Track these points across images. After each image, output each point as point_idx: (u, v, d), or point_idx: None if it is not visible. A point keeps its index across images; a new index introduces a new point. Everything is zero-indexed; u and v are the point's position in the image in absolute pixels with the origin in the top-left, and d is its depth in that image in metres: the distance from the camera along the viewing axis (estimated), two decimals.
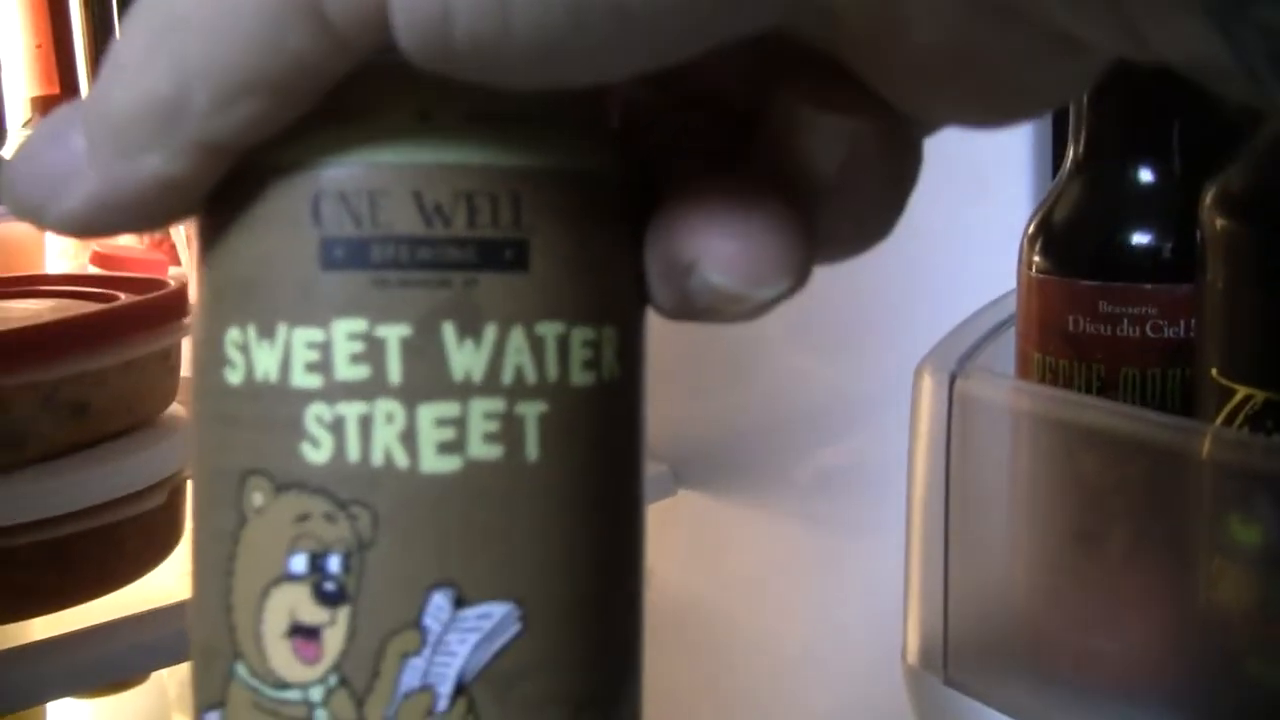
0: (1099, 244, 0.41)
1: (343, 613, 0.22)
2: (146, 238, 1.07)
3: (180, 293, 0.69)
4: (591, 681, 0.24)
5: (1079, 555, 0.41)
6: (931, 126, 0.22)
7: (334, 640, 0.22)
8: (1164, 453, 0.38)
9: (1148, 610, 0.40)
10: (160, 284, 0.71)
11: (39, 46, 0.94)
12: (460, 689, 0.22)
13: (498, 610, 0.22)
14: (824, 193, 0.21)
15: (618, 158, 0.23)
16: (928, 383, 0.41)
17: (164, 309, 0.67)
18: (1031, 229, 0.43)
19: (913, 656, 0.43)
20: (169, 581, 0.70)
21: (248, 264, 0.22)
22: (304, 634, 0.22)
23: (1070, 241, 0.41)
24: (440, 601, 0.22)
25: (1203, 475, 0.37)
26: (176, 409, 0.71)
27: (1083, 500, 0.40)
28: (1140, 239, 0.40)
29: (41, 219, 0.21)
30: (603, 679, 0.24)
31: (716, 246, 0.21)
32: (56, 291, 0.73)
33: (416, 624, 0.22)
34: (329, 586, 0.22)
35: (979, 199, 0.67)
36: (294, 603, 0.22)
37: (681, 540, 0.78)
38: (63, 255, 1.03)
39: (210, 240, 0.23)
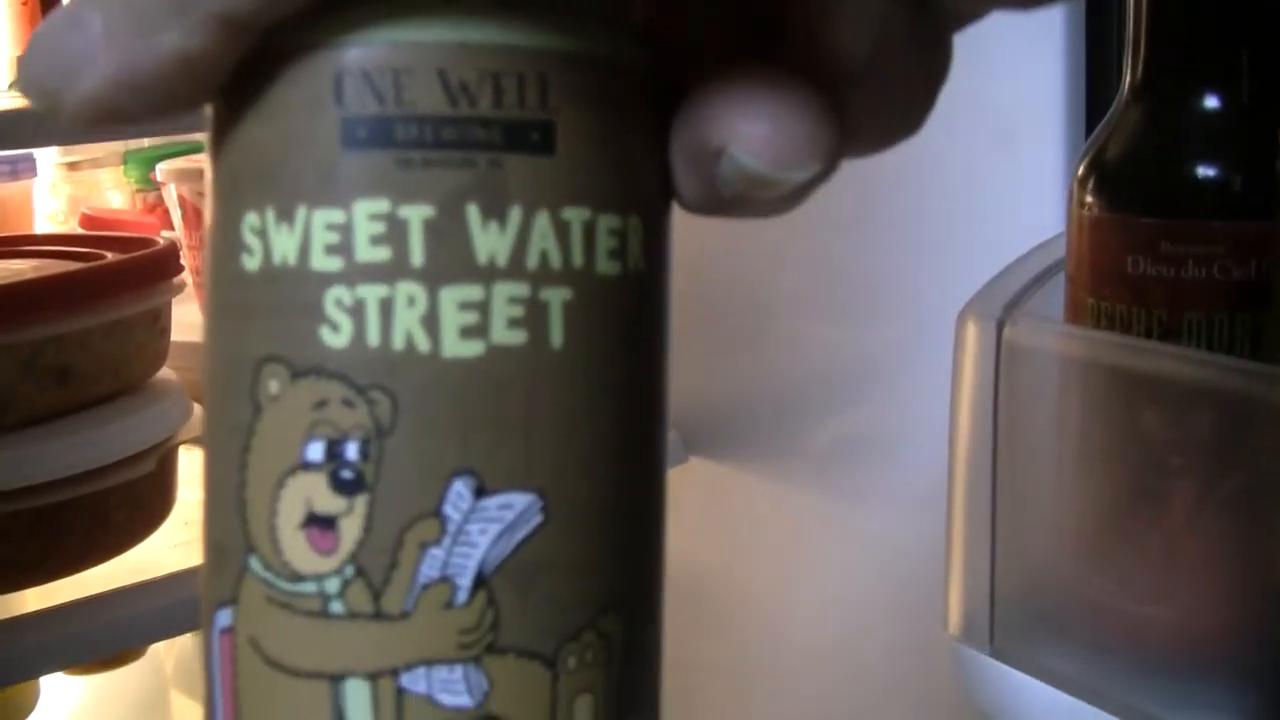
0: (1160, 178, 0.37)
1: (360, 502, 0.22)
2: (139, 203, 1.04)
3: (169, 251, 0.66)
4: (615, 585, 0.24)
5: (1136, 516, 0.37)
6: (965, 15, 0.22)
7: (351, 530, 0.22)
8: (1234, 401, 0.35)
9: (1212, 576, 0.37)
10: (149, 243, 0.68)
11: (24, 4, 0.91)
12: (480, 581, 0.22)
13: (519, 501, 0.22)
14: (853, 80, 0.21)
15: (645, 47, 0.23)
16: (972, 330, 0.38)
17: (151, 268, 0.64)
18: (1082, 169, 0.40)
19: (955, 628, 0.40)
20: (160, 554, 0.67)
21: (267, 147, 0.22)
22: (320, 524, 0.22)
23: (1128, 177, 0.38)
24: (460, 490, 0.22)
25: (1277, 426, 0.34)
26: (166, 374, 0.68)
27: (1142, 455, 0.37)
28: (1206, 172, 0.37)
29: (59, 105, 0.21)
30: (626, 584, 0.24)
31: (746, 128, 0.21)
32: (41, 251, 0.70)
33: (436, 513, 0.22)
34: (346, 474, 0.22)
35: (1005, 152, 0.64)
36: (310, 492, 0.22)
37: (692, 508, 0.76)
38: (50, 219, 0.99)
39: (227, 126, 0.22)
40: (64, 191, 1.00)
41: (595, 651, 0.23)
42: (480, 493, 0.22)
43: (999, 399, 0.38)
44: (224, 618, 0.23)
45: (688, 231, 0.31)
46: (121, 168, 1.02)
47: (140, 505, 0.64)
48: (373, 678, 0.22)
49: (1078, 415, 0.38)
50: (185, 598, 0.61)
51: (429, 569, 0.22)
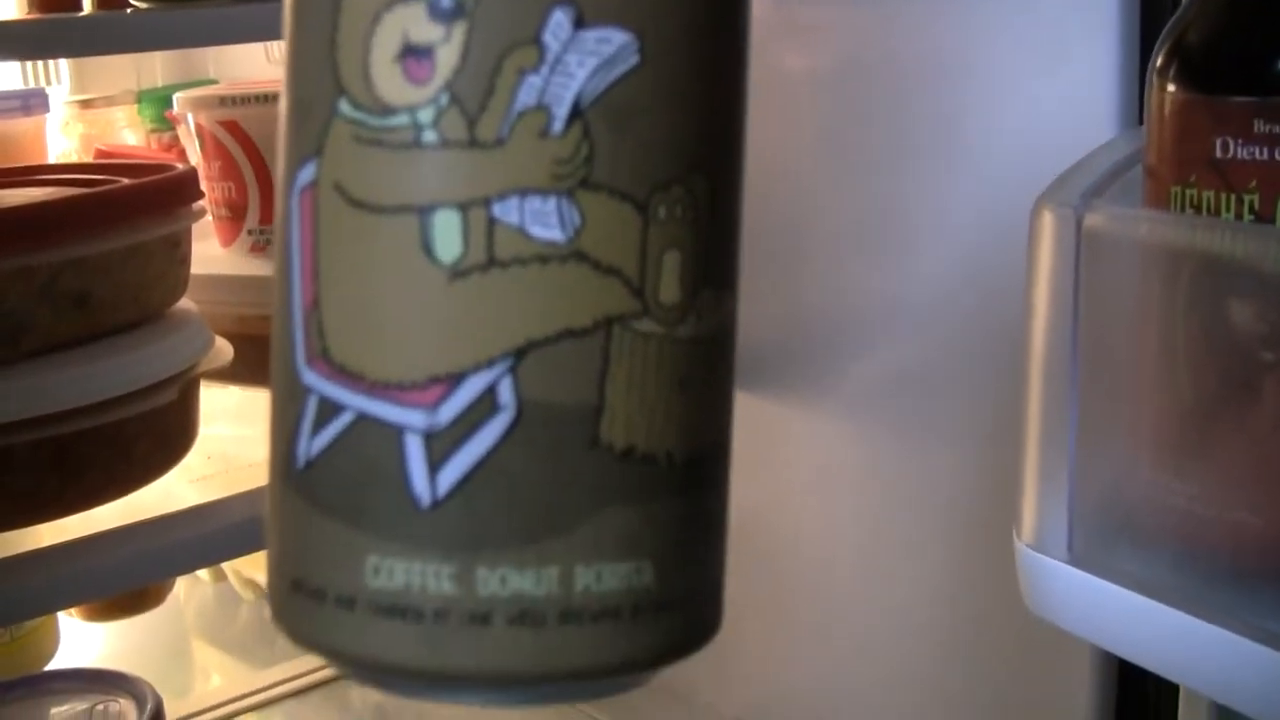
0: (1253, 52, 0.35)
1: (458, 29, 0.22)
2: (154, 143, 1.02)
3: (188, 176, 0.64)
4: (704, 145, 0.24)
5: (1223, 416, 0.35)
6: None
7: (448, 58, 0.22)
8: None
9: None
10: (167, 168, 0.66)
11: None
12: (576, 112, 0.22)
13: (617, 37, 0.22)
14: None
15: None
16: (1049, 221, 0.36)
17: (170, 192, 0.62)
18: (1161, 58, 0.37)
19: (1028, 535, 0.37)
20: (182, 489, 0.65)
21: None
22: (416, 54, 0.22)
23: (1216, 55, 0.36)
24: (560, 19, 0.22)
25: None
26: (187, 304, 0.66)
27: (1231, 351, 0.34)
28: None
29: None
30: (714, 148, 0.24)
31: None
32: (56, 180, 0.68)
33: (535, 40, 0.22)
34: (445, 1, 0.22)
35: (1054, 75, 0.61)
36: (407, 23, 0.22)
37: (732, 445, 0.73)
38: (63, 158, 0.97)
39: None
40: (77, 130, 0.97)
41: (684, 207, 0.24)
42: (580, 23, 0.22)
43: (1078, 294, 0.36)
44: (307, 173, 0.23)
45: None
46: (135, 106, 1.00)
47: (162, 437, 0.62)
48: (464, 207, 0.22)
49: (1162, 309, 0.36)
50: (205, 532, 0.59)
51: (526, 96, 0.22)
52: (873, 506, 0.71)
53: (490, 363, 0.23)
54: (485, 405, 0.23)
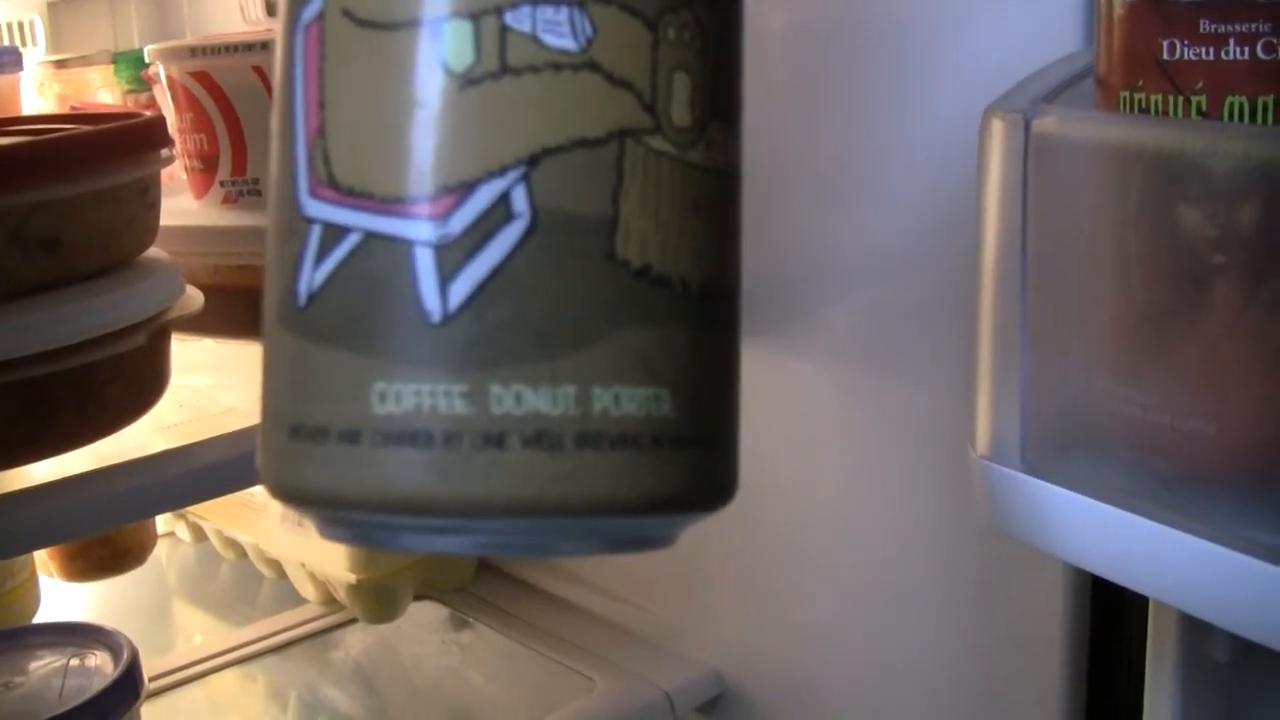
0: None
1: None
2: (130, 104, 1.01)
3: (157, 122, 0.64)
4: None
5: (1176, 321, 0.35)
6: None
7: None
8: None
9: (1259, 386, 0.35)
10: (135, 115, 0.66)
11: None
12: None
13: None
14: None
15: None
16: (997, 128, 0.36)
17: (139, 136, 0.62)
18: None
19: (983, 447, 0.37)
20: (150, 438, 0.65)
21: None
22: None
23: None
24: None
25: None
26: (158, 253, 0.66)
27: (1183, 254, 0.34)
28: None
29: None
30: None
31: None
32: (25, 130, 0.68)
33: None
34: None
35: (1024, 10, 0.61)
36: None
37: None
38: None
39: None
40: (53, 91, 0.97)
41: (691, 32, 0.24)
42: None
43: (1028, 201, 0.36)
44: (312, 8, 0.23)
45: None
46: (111, 67, 1.00)
47: (133, 382, 0.62)
48: (475, 16, 0.22)
49: (1113, 215, 0.36)
50: (172, 475, 0.59)
51: None
52: (852, 451, 0.71)
53: (503, 170, 0.23)
54: (499, 213, 0.23)
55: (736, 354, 0.27)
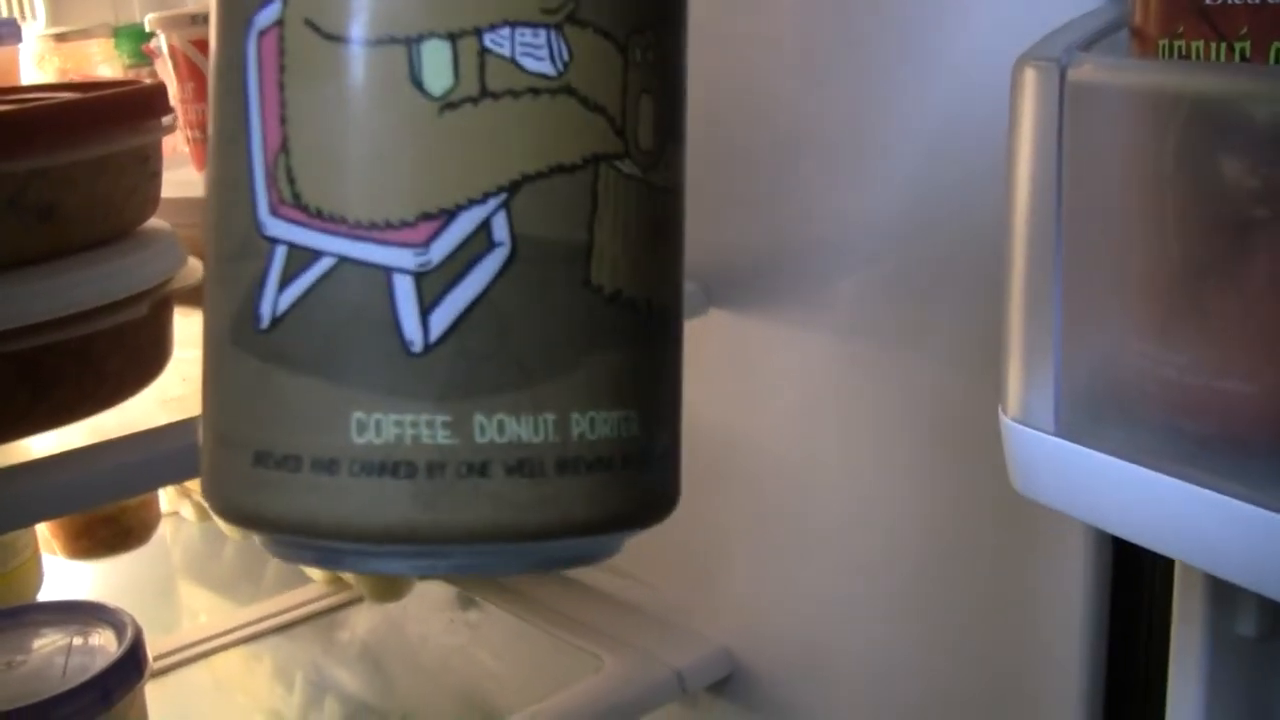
0: None
1: None
2: (131, 75, 1.00)
3: (157, 89, 0.63)
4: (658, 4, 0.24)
5: (1217, 277, 0.34)
6: None
7: None
8: None
9: None
10: (135, 83, 0.65)
11: None
12: None
13: None
14: None
15: None
16: (1031, 77, 0.34)
17: (139, 103, 0.61)
18: None
19: (1014, 409, 0.36)
20: (155, 412, 0.64)
21: None
22: None
23: None
24: None
25: None
26: (159, 223, 0.65)
27: (1225, 207, 0.33)
28: None
29: None
30: (671, 5, 0.25)
31: None
32: (22, 99, 0.66)
33: None
34: None
35: None
36: None
37: (712, 360, 0.73)
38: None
39: None
40: (53, 64, 0.96)
41: (655, 54, 0.24)
42: None
43: (1063, 154, 0.34)
44: (268, 14, 0.22)
45: (705, 79, 0.32)
46: (112, 40, 0.99)
47: (133, 354, 0.60)
48: (454, 37, 0.22)
49: (1151, 167, 0.34)
50: (175, 449, 0.58)
51: None
52: (856, 423, 0.69)
53: (484, 197, 0.22)
54: (479, 241, 0.23)
55: (680, 367, 0.28)
